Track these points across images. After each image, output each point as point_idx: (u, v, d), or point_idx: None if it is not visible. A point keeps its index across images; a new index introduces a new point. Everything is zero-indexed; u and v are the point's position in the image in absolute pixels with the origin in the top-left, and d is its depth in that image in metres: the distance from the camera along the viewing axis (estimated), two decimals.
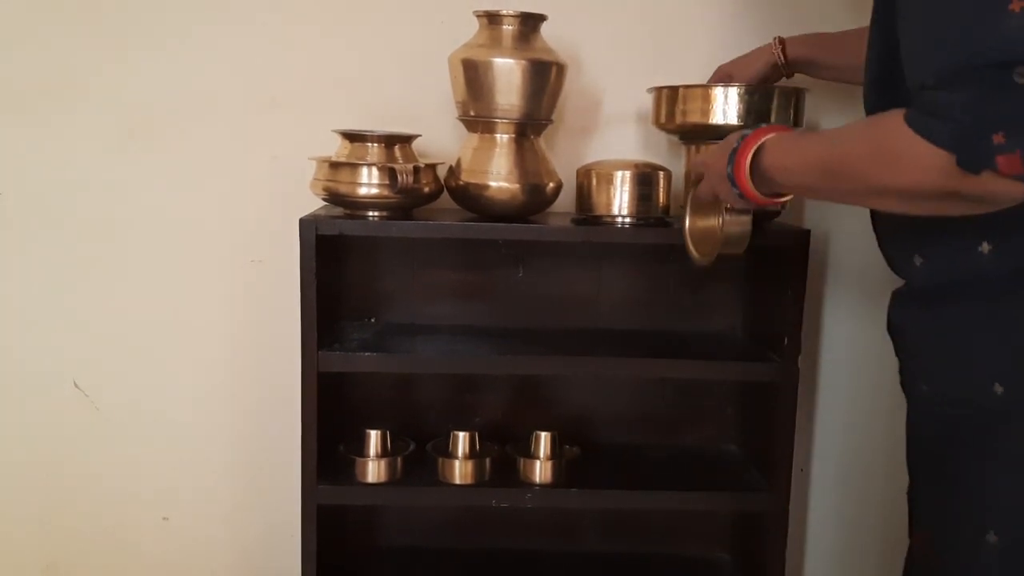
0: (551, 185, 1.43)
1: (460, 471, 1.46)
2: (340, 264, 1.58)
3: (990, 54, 0.74)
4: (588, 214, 1.45)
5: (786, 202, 1.08)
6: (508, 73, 1.35)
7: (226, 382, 1.66)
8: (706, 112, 1.38)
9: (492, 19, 1.36)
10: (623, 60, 1.58)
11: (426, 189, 1.41)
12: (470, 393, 1.65)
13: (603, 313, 1.64)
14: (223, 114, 1.58)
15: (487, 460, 1.48)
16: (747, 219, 1.14)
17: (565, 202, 1.50)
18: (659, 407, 1.67)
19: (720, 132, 1.28)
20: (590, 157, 1.58)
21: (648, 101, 1.48)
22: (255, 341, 1.64)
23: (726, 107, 1.37)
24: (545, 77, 1.37)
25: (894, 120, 0.81)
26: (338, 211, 1.43)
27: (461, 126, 1.45)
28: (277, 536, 1.68)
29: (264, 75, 1.57)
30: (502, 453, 1.51)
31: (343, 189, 1.37)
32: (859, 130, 0.89)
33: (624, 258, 1.63)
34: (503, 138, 1.39)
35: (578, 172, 1.47)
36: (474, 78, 1.36)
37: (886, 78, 0.94)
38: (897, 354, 1.03)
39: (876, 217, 1.06)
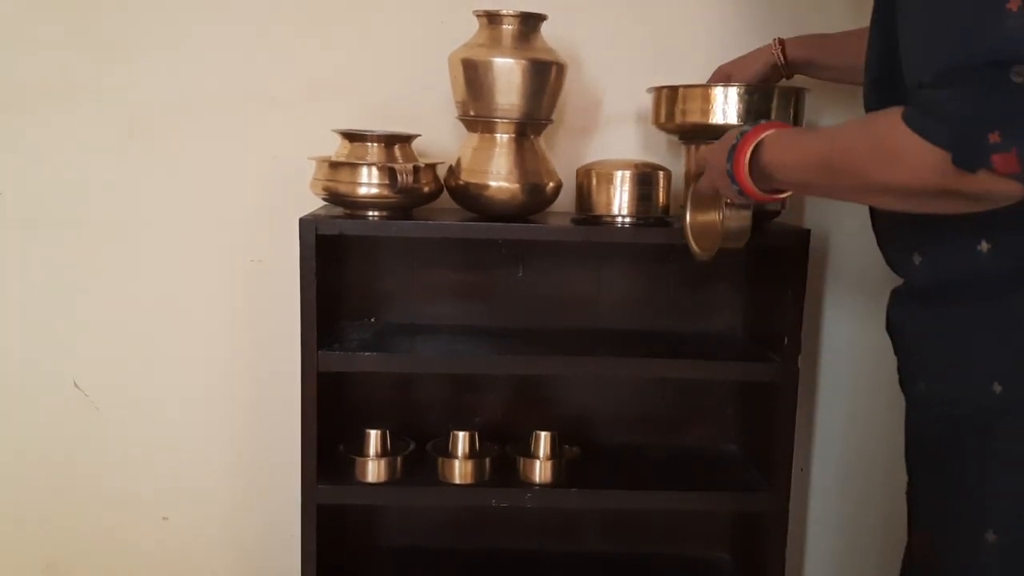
0: (551, 185, 1.43)
1: (460, 471, 1.46)
2: (340, 264, 1.58)
3: (987, 53, 0.75)
4: (588, 214, 1.45)
5: (785, 198, 1.08)
6: (508, 73, 1.35)
7: (226, 382, 1.66)
8: (706, 112, 1.38)
9: (492, 19, 1.36)
10: (623, 60, 1.58)
11: (426, 189, 1.41)
12: (470, 393, 1.65)
13: (603, 313, 1.64)
14: (223, 114, 1.58)
15: (487, 460, 1.48)
16: (747, 214, 1.14)
17: (565, 202, 1.50)
18: (659, 407, 1.67)
19: (720, 132, 1.27)
20: (590, 157, 1.58)
21: (648, 101, 1.48)
22: (255, 341, 1.64)
23: (726, 107, 1.37)
24: (545, 77, 1.37)
25: (892, 118, 0.81)
26: (338, 211, 1.43)
27: (461, 126, 1.45)
28: (277, 536, 1.68)
29: (264, 75, 1.57)
30: (502, 453, 1.51)
31: (343, 189, 1.37)
32: (857, 127, 0.89)
33: (624, 258, 1.63)
34: (503, 138, 1.39)
35: (578, 172, 1.47)
36: (474, 78, 1.36)
37: (886, 78, 0.94)
38: (896, 353, 1.03)
39: (875, 216, 1.06)
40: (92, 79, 1.57)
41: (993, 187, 0.77)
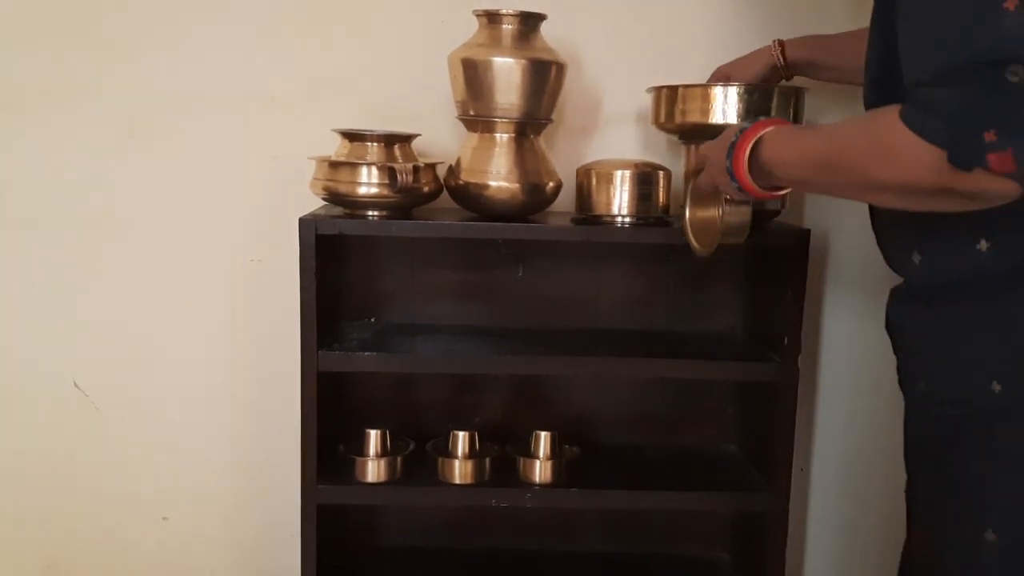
0: (551, 185, 1.43)
1: (460, 471, 1.46)
2: (340, 264, 1.58)
3: (984, 52, 0.75)
4: (588, 214, 1.45)
5: (785, 195, 1.08)
6: (508, 72, 1.35)
7: (226, 382, 1.66)
8: (706, 112, 1.38)
9: (492, 18, 1.37)
10: (623, 60, 1.58)
11: (426, 188, 1.41)
12: (470, 393, 1.65)
13: (603, 313, 1.64)
14: (223, 114, 1.58)
15: (487, 460, 1.48)
16: (747, 209, 1.14)
17: (565, 202, 1.51)
18: (659, 407, 1.67)
19: (719, 132, 1.28)
20: (590, 157, 1.58)
21: (648, 101, 1.48)
22: (255, 341, 1.64)
23: (725, 107, 1.37)
24: (545, 76, 1.37)
25: (890, 116, 0.81)
26: (338, 211, 1.43)
27: (461, 125, 1.45)
28: (277, 536, 1.68)
29: (264, 75, 1.57)
30: (502, 453, 1.51)
31: (343, 188, 1.37)
32: (856, 125, 0.89)
33: (624, 258, 1.63)
34: (503, 137, 1.39)
35: (578, 172, 1.47)
36: (474, 77, 1.36)
37: (886, 78, 0.94)
38: (895, 352, 1.03)
39: (875, 214, 1.06)
40: (92, 79, 1.57)
41: (989, 186, 0.77)
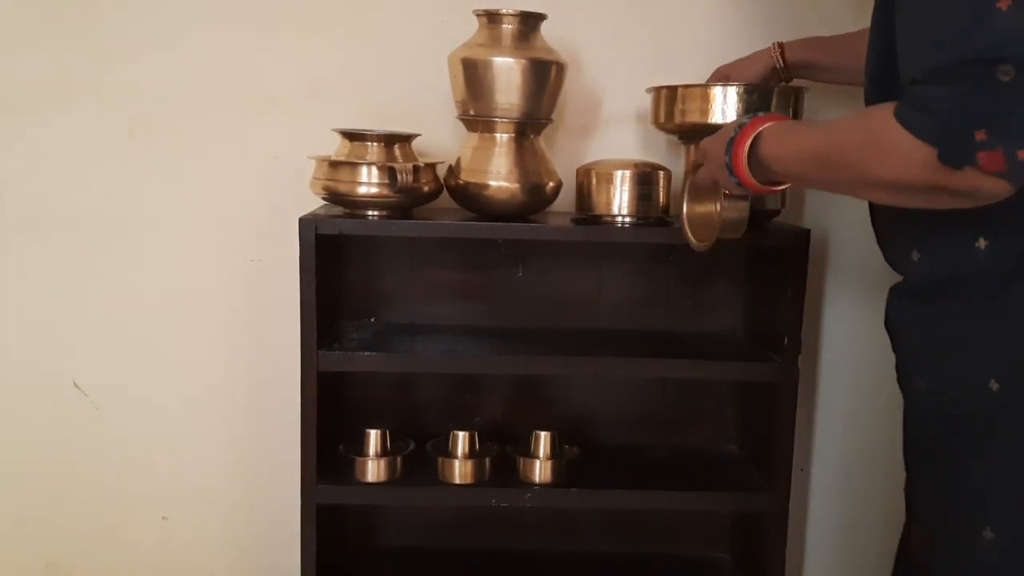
0: (551, 185, 1.43)
1: (460, 471, 1.46)
2: (340, 264, 1.58)
3: (976, 51, 0.76)
4: (588, 214, 1.45)
5: (783, 190, 1.08)
6: (508, 72, 1.35)
7: (226, 382, 1.66)
8: (705, 112, 1.38)
9: (492, 18, 1.37)
10: (623, 60, 1.58)
11: (426, 188, 1.41)
12: (470, 393, 1.65)
13: (603, 313, 1.64)
14: (223, 114, 1.58)
15: (487, 460, 1.48)
16: (745, 205, 1.15)
17: (565, 202, 1.51)
18: (659, 407, 1.67)
19: None
20: (590, 157, 1.58)
21: (648, 101, 1.48)
22: (255, 341, 1.64)
23: (725, 107, 1.37)
24: (545, 76, 1.37)
25: (884, 113, 0.82)
26: (338, 210, 1.43)
27: (461, 125, 1.45)
28: (277, 536, 1.68)
29: (264, 75, 1.57)
30: (502, 453, 1.51)
31: (343, 188, 1.37)
32: (852, 122, 0.90)
33: (624, 258, 1.63)
34: (503, 137, 1.39)
35: (578, 172, 1.47)
36: (474, 77, 1.36)
37: (886, 77, 0.94)
38: (894, 350, 1.03)
39: (875, 212, 1.06)
40: (92, 79, 1.57)
41: (980, 184, 0.78)
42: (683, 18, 1.57)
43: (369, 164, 1.36)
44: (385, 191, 1.36)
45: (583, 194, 1.45)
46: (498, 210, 1.41)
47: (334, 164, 1.37)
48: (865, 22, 1.01)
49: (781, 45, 1.43)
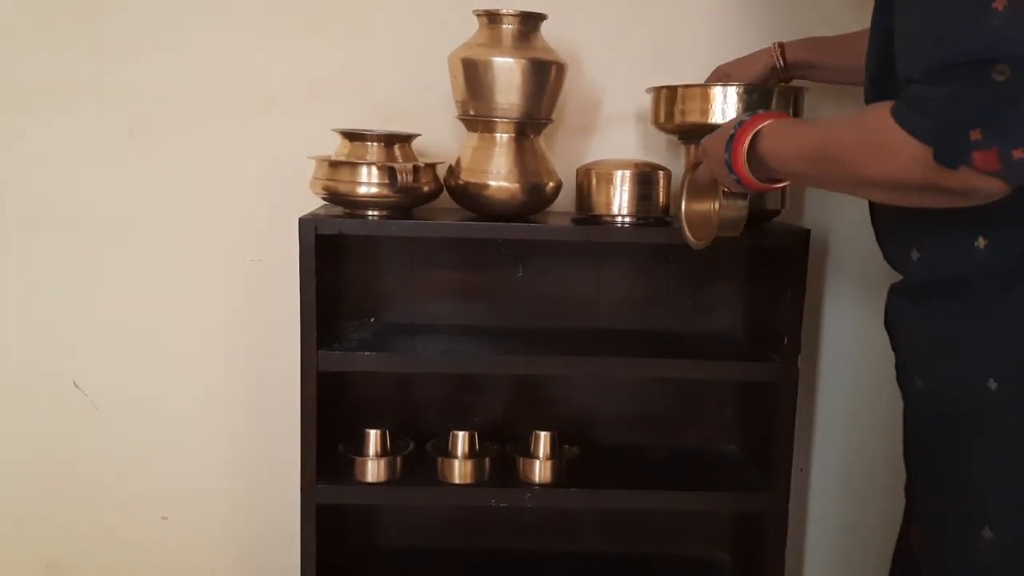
0: (551, 185, 1.43)
1: (460, 471, 1.46)
2: (340, 264, 1.58)
3: (971, 51, 0.76)
4: (588, 214, 1.45)
5: (783, 188, 1.08)
6: (508, 72, 1.35)
7: (226, 382, 1.66)
8: (705, 112, 1.38)
9: (492, 18, 1.37)
10: (623, 60, 1.58)
11: (426, 188, 1.41)
12: (470, 393, 1.65)
13: (603, 313, 1.64)
14: (223, 114, 1.58)
15: (486, 460, 1.48)
16: (743, 204, 1.15)
17: (565, 202, 1.51)
18: (659, 407, 1.67)
19: None
20: (590, 157, 1.58)
21: (648, 101, 1.48)
22: (255, 341, 1.64)
23: (725, 107, 1.37)
24: (545, 76, 1.37)
25: (881, 112, 0.82)
26: (338, 210, 1.43)
27: (461, 125, 1.45)
28: (277, 536, 1.68)
29: (264, 75, 1.57)
30: (502, 453, 1.51)
31: (343, 188, 1.37)
32: (850, 120, 0.90)
33: (624, 258, 1.63)
34: (503, 137, 1.39)
35: (578, 172, 1.47)
36: (474, 77, 1.36)
37: (886, 77, 0.94)
38: (894, 349, 1.03)
39: (875, 211, 1.06)
40: (92, 79, 1.57)
41: (975, 184, 0.78)
42: (683, 18, 1.57)
43: (369, 164, 1.36)
44: (385, 191, 1.36)
45: (583, 194, 1.45)
46: (498, 210, 1.41)
47: (334, 164, 1.37)
48: (865, 22, 1.01)
49: (781, 45, 1.43)
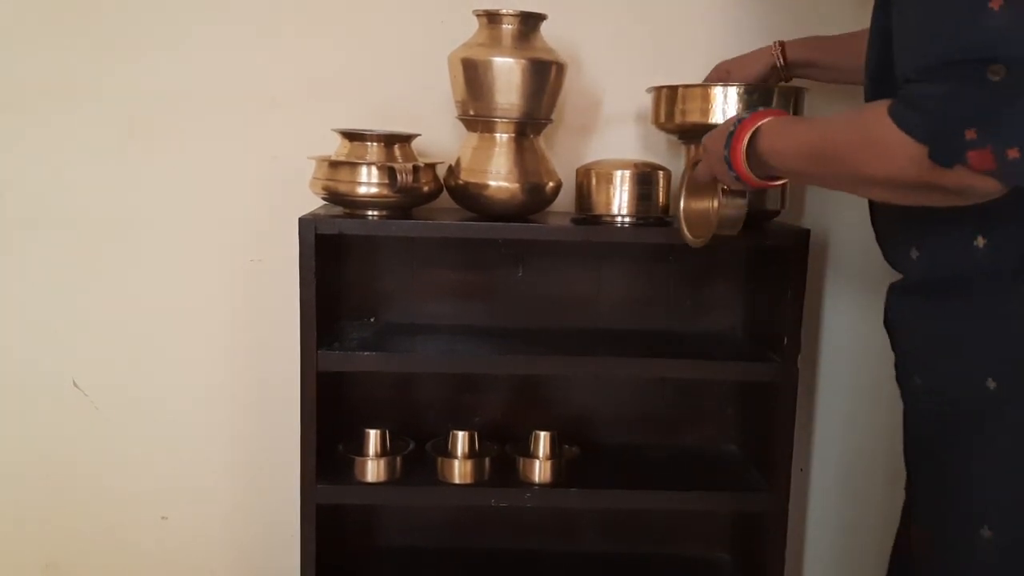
0: (551, 184, 1.43)
1: (459, 471, 1.46)
2: (340, 263, 1.58)
3: (967, 51, 0.76)
4: (588, 214, 1.45)
5: (781, 185, 1.08)
6: (508, 72, 1.35)
7: (226, 382, 1.66)
8: (706, 112, 1.38)
9: (492, 18, 1.37)
10: (623, 60, 1.58)
11: (425, 188, 1.41)
12: (470, 393, 1.65)
13: (603, 313, 1.64)
14: (223, 114, 1.58)
15: (486, 460, 1.48)
16: (742, 202, 1.15)
17: (565, 202, 1.51)
18: (659, 407, 1.67)
19: None
20: (590, 157, 1.58)
21: (648, 101, 1.48)
22: (254, 341, 1.64)
23: (726, 107, 1.37)
24: (545, 76, 1.37)
25: (879, 111, 0.83)
26: (338, 210, 1.43)
27: (461, 125, 1.45)
28: (277, 536, 1.68)
29: (264, 75, 1.57)
30: (501, 453, 1.51)
31: (342, 188, 1.37)
32: (848, 118, 0.90)
33: (624, 258, 1.63)
34: (503, 137, 1.39)
35: (578, 172, 1.47)
36: (474, 77, 1.36)
37: (885, 76, 0.94)
38: (893, 348, 1.03)
39: (874, 210, 1.06)
40: (92, 79, 1.57)
41: (970, 183, 0.79)
42: (683, 18, 1.57)
43: (369, 164, 1.36)
44: (385, 191, 1.36)
45: (583, 194, 1.45)
46: (498, 210, 1.41)
47: (334, 164, 1.37)
48: (865, 22, 1.01)
49: (782, 43, 1.43)
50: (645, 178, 1.42)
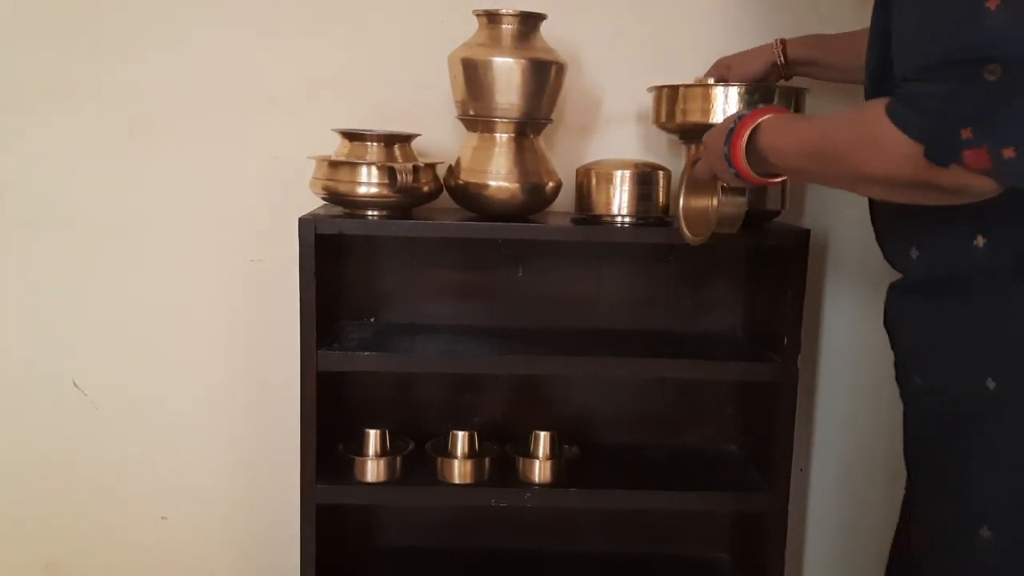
0: (551, 184, 1.43)
1: (459, 471, 1.46)
2: (340, 264, 1.58)
3: (964, 50, 0.76)
4: (588, 214, 1.45)
5: (781, 183, 1.08)
6: (508, 72, 1.35)
7: (226, 382, 1.66)
8: (706, 111, 1.38)
9: (492, 18, 1.37)
10: (623, 60, 1.58)
11: (425, 188, 1.41)
12: (470, 393, 1.65)
13: (603, 313, 1.64)
14: (223, 114, 1.58)
15: (486, 460, 1.48)
16: (742, 201, 1.15)
17: (565, 202, 1.51)
18: (659, 407, 1.67)
19: None
20: (590, 157, 1.58)
21: (648, 101, 1.48)
22: (254, 341, 1.64)
23: (726, 106, 1.37)
24: (545, 76, 1.37)
25: (876, 109, 0.83)
26: (338, 210, 1.43)
27: (461, 125, 1.45)
28: (277, 536, 1.68)
29: (264, 75, 1.57)
30: (501, 453, 1.51)
31: (342, 188, 1.37)
32: (847, 116, 0.91)
33: (624, 258, 1.63)
34: (503, 137, 1.39)
35: (578, 172, 1.47)
36: (474, 77, 1.36)
37: (885, 75, 0.94)
38: (893, 348, 1.03)
39: (874, 209, 1.06)
40: (92, 79, 1.57)
41: (966, 182, 0.79)
42: (683, 18, 1.57)
43: (369, 164, 1.36)
44: (385, 191, 1.36)
45: (583, 194, 1.45)
46: (498, 210, 1.41)
47: (334, 164, 1.37)
48: (865, 21, 1.01)
49: (783, 42, 1.43)
50: (645, 178, 1.42)
